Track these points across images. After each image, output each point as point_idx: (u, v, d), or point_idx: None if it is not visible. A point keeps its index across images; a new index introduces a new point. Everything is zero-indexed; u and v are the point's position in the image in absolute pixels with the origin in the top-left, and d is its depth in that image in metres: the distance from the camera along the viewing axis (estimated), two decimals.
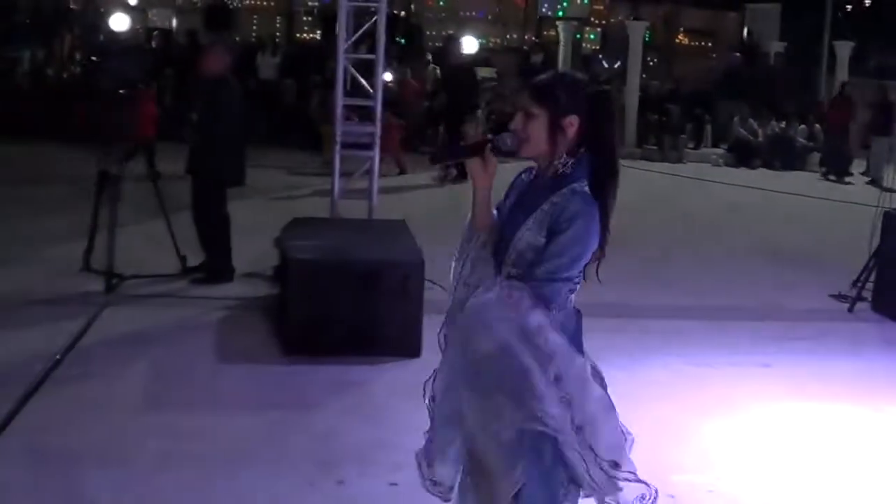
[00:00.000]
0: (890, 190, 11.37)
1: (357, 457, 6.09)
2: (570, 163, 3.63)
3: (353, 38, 10.39)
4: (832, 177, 21.76)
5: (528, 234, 3.59)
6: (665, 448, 6.23)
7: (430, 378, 3.90)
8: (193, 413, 6.70)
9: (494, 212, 3.80)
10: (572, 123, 3.61)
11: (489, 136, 3.71)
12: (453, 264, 3.88)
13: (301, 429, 6.52)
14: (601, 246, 3.65)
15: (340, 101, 10.33)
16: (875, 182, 19.26)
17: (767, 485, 6.05)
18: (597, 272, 3.75)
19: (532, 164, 3.79)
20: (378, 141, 10.45)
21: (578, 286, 3.70)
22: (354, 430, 6.54)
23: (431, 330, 7.83)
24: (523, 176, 3.85)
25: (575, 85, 3.69)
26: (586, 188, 3.59)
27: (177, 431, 6.33)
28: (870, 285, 10.34)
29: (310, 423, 6.62)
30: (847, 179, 21.61)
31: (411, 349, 7.87)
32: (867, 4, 32.74)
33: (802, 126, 23.25)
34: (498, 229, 3.76)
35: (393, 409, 6.84)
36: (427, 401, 3.90)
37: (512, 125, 3.68)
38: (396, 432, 6.35)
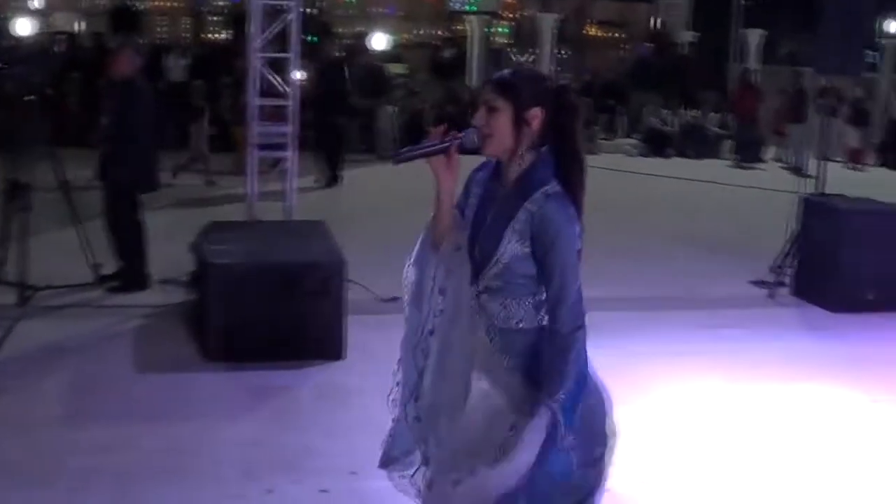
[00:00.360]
0: (809, 176, 11.48)
1: (285, 464, 5.99)
2: (531, 159, 3.55)
3: (266, 36, 10.23)
4: (744, 164, 21.97)
5: (512, 246, 3.50)
6: None
7: (400, 392, 3.79)
8: (114, 426, 6.54)
9: (455, 211, 3.69)
10: (536, 116, 3.54)
11: (454, 133, 3.59)
12: (407, 269, 3.76)
13: (226, 437, 6.40)
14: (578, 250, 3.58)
15: (254, 101, 10.18)
16: (796, 170, 19.42)
17: (707, 478, 6.04)
18: None
19: (484, 159, 3.71)
20: (295, 141, 10.32)
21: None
22: (281, 436, 6.43)
23: (354, 331, 7.83)
24: (481, 174, 3.75)
25: (537, 78, 3.67)
26: (558, 188, 3.51)
27: (98, 446, 6.17)
28: (789, 270, 10.41)
29: (235, 432, 6.50)
30: (759, 166, 21.86)
31: (334, 351, 7.80)
32: None
33: (715, 114, 23.48)
34: (464, 231, 3.65)
35: (319, 412, 6.75)
36: (409, 420, 3.77)
37: (475, 121, 3.60)
38: (324, 437, 6.27)
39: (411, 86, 23.17)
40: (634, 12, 29.19)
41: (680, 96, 23.70)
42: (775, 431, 6.79)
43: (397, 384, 3.80)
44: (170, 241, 10.19)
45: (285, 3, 10.24)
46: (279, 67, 10.48)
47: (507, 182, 3.61)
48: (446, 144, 3.57)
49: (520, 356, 3.54)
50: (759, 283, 10.56)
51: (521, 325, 3.55)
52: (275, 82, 10.37)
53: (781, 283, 10.36)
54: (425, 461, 3.78)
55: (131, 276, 9.66)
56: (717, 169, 20.96)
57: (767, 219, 12.13)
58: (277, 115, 10.43)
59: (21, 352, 7.92)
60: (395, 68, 23.69)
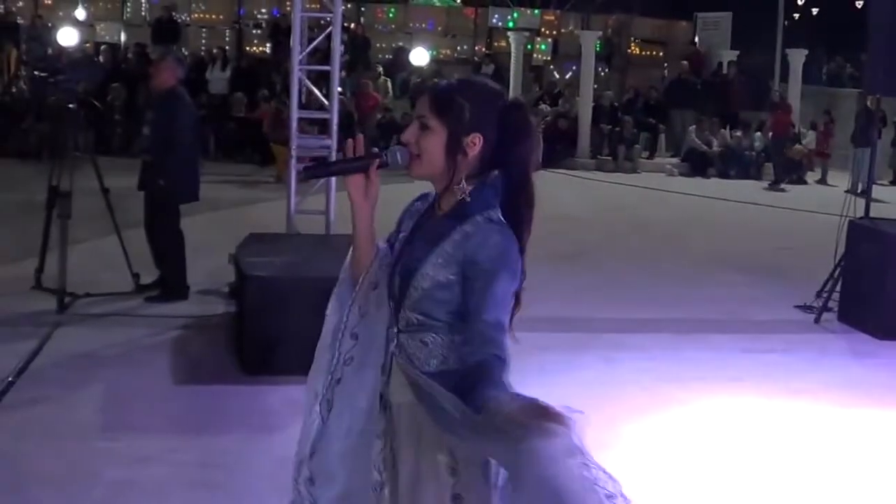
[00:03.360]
0: (877, 200, 11.19)
1: None
2: (469, 190, 3.06)
3: (308, 50, 10.21)
4: (785, 185, 21.72)
5: (434, 270, 3.02)
6: (636, 467, 6.10)
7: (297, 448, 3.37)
8: (150, 437, 6.50)
9: (383, 244, 3.29)
10: (475, 143, 3.06)
11: (376, 149, 3.16)
12: (331, 302, 3.36)
13: (262, 451, 6.32)
14: (516, 292, 3.06)
15: (295, 113, 10.14)
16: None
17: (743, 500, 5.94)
18: (510, 324, 3.06)
19: (430, 187, 3.25)
20: (335, 154, 10.27)
21: None
22: None
23: None
24: (418, 204, 3.30)
25: (485, 96, 3.12)
26: (500, 217, 3.04)
27: (133, 457, 6.13)
28: (836, 295, 10.25)
29: (271, 446, 6.42)
30: (801, 188, 21.59)
31: None
32: (814, 13, 33.05)
33: (758, 134, 23.30)
34: (386, 267, 3.23)
35: None
36: (301, 483, 3.35)
37: (403, 136, 3.13)
38: None
39: None
40: (675, 30, 29.07)
41: (721, 116, 23.50)
42: (814, 459, 6.64)
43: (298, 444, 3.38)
44: (210, 253, 10.17)
45: (326, 15, 10.22)
46: (317, 82, 10.44)
47: (442, 209, 3.16)
48: (365, 162, 3.15)
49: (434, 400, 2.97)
50: (804, 308, 10.40)
51: (443, 367, 3.05)
52: (317, 94, 10.34)
53: (827, 308, 10.19)
54: None
55: (171, 286, 9.64)
56: (758, 190, 20.78)
57: (812, 242, 11.99)
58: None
59: (59, 359, 7.90)
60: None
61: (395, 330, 3.15)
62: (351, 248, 3.31)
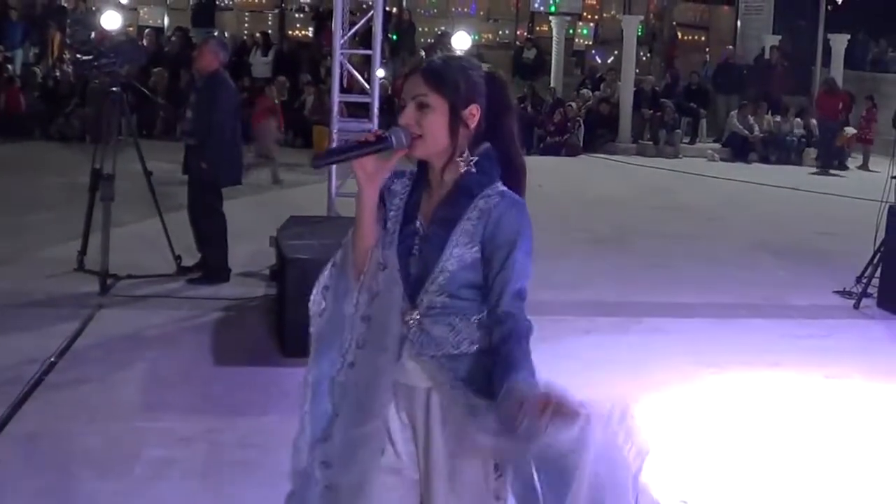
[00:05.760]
0: None
1: None
2: (473, 160, 3.12)
3: (350, 33, 10.24)
4: (828, 170, 21.56)
5: (458, 251, 3.07)
6: (679, 454, 6.12)
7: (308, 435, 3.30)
8: (190, 418, 6.55)
9: (378, 227, 3.25)
10: (474, 114, 3.11)
11: (382, 132, 3.13)
12: (316, 296, 3.32)
13: None
14: None
15: (336, 97, 10.19)
16: None
17: (778, 485, 5.93)
18: None
19: (401, 167, 3.22)
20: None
21: None
22: None
23: None
24: (396, 184, 3.24)
25: (470, 69, 3.15)
26: (508, 190, 3.12)
27: (174, 437, 6.20)
28: (876, 281, 10.19)
29: None
30: (843, 173, 21.45)
31: None
32: None
33: (798, 119, 23.13)
34: (390, 247, 3.21)
35: None
36: (317, 467, 3.28)
37: (402, 119, 3.11)
38: None
39: None
40: (717, 15, 28.87)
41: (763, 101, 23.34)
42: (851, 443, 6.61)
43: (303, 429, 3.32)
44: (252, 236, 10.23)
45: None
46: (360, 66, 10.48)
47: (440, 188, 3.17)
48: (375, 147, 3.10)
49: (459, 384, 3.08)
50: (844, 293, 10.34)
51: (473, 347, 3.12)
52: (358, 79, 10.38)
53: (867, 294, 10.13)
54: None
55: (213, 268, 9.70)
56: (800, 175, 20.63)
57: (853, 227, 11.91)
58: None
59: (101, 340, 8.00)
60: None
61: (417, 314, 3.14)
62: (350, 232, 3.27)
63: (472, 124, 3.11)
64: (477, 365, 3.07)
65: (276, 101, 18.79)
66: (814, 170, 21.62)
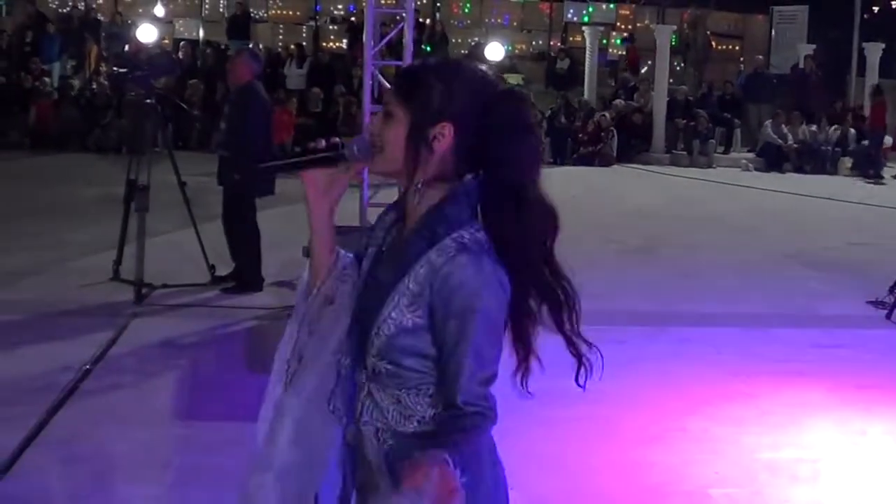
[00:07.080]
0: None
1: None
2: (441, 193, 2.55)
3: (382, 44, 10.32)
4: (867, 179, 21.46)
5: (396, 314, 2.50)
6: (703, 461, 6.13)
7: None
8: (223, 426, 6.60)
9: (349, 255, 2.77)
10: (443, 134, 2.51)
11: (337, 140, 2.66)
12: (286, 334, 2.81)
13: None
14: (524, 341, 2.56)
15: (368, 108, 10.26)
16: None
17: (807, 497, 5.93)
18: (523, 382, 2.61)
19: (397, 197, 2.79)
20: None
21: None
22: None
23: None
24: (391, 214, 2.73)
25: (466, 81, 2.57)
26: (479, 234, 2.50)
27: (206, 445, 6.25)
28: None
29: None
30: (881, 182, 21.37)
31: None
32: (894, 7, 32.46)
33: (834, 129, 23.03)
34: (345, 281, 2.70)
35: None
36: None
37: (369, 127, 2.68)
38: None
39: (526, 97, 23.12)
40: (751, 24, 28.81)
41: (798, 110, 23.26)
42: (880, 455, 6.59)
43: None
44: (284, 245, 10.30)
45: (399, 11, 10.31)
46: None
47: (411, 220, 2.61)
48: (322, 156, 2.64)
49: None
50: (877, 304, 10.30)
51: (424, 428, 2.53)
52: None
53: None
54: None
55: (246, 277, 9.77)
56: (834, 185, 20.55)
57: (887, 237, 11.86)
58: None
59: (136, 348, 8.09)
60: (511, 79, 23.68)
61: (363, 377, 2.60)
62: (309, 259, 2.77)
63: (440, 146, 2.52)
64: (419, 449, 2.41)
65: (295, 115, 18.86)
66: (852, 179, 21.44)
